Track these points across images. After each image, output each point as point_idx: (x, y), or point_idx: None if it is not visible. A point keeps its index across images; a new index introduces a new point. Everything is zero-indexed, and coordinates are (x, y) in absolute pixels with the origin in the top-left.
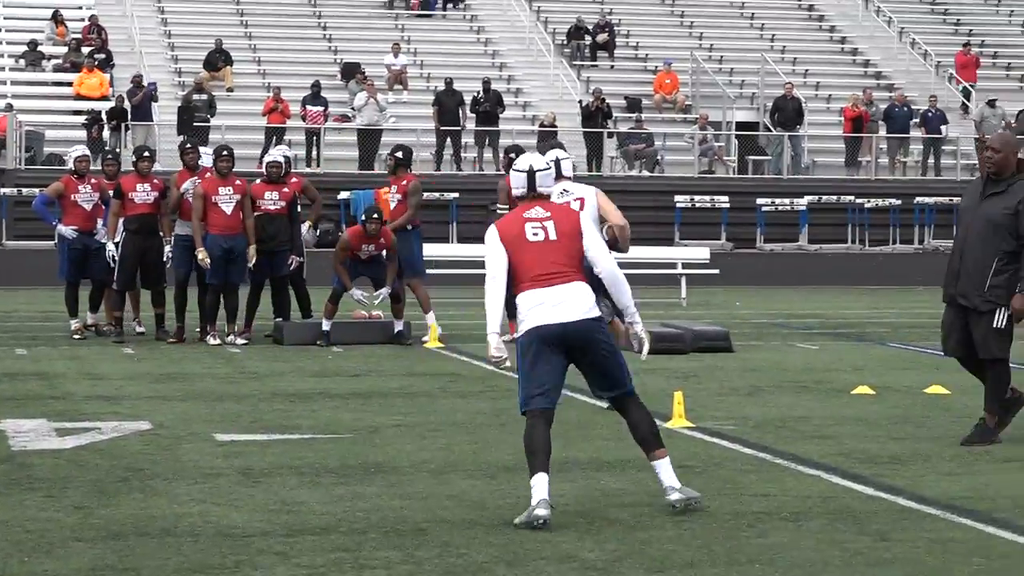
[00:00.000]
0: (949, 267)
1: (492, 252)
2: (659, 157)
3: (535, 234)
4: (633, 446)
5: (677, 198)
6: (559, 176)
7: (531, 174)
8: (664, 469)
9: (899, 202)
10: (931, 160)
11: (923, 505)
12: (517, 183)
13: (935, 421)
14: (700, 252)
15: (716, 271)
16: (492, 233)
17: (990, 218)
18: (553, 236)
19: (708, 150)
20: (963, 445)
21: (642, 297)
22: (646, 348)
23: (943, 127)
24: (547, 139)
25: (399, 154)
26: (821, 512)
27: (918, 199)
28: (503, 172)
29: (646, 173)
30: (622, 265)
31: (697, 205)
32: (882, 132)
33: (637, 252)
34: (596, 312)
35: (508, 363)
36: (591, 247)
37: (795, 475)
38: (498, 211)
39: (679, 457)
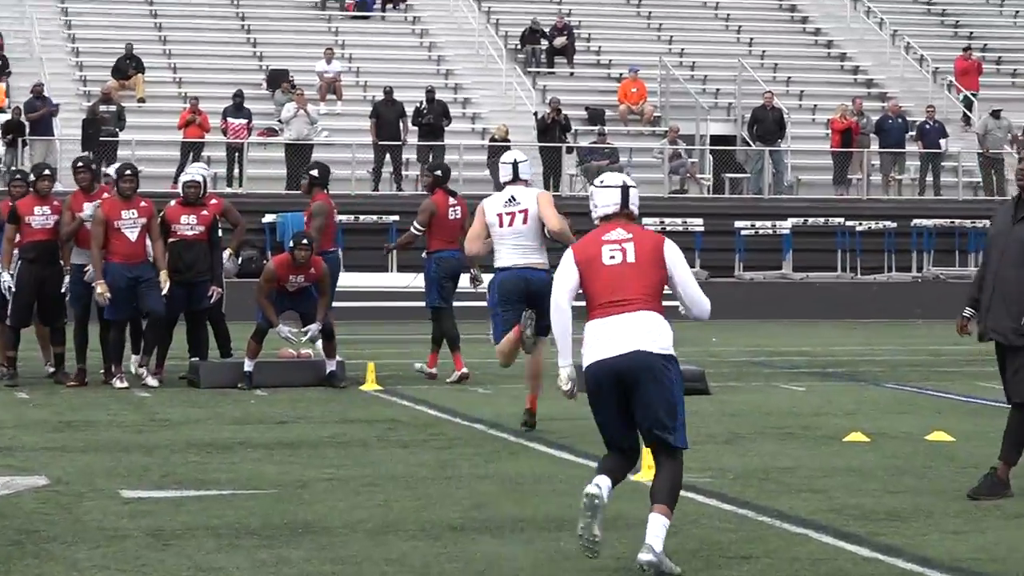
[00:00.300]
0: (980, 300)
1: (560, 273)
2: (625, 175)
3: (611, 257)
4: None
5: (645, 221)
6: (516, 179)
7: (625, 190)
8: (654, 524)
9: (894, 225)
10: (929, 178)
11: (926, 568)
12: (607, 200)
13: (938, 472)
14: None
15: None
16: (567, 255)
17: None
18: (631, 259)
19: (680, 167)
20: (970, 498)
21: None
22: None
23: (942, 141)
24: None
25: (314, 172)
26: None
27: (915, 221)
28: (427, 192)
29: None
30: (581, 296)
31: (668, 228)
32: (874, 146)
33: None
34: (660, 346)
35: (577, 397)
36: (682, 284)
37: (780, 534)
38: (413, 228)
39: (645, 514)
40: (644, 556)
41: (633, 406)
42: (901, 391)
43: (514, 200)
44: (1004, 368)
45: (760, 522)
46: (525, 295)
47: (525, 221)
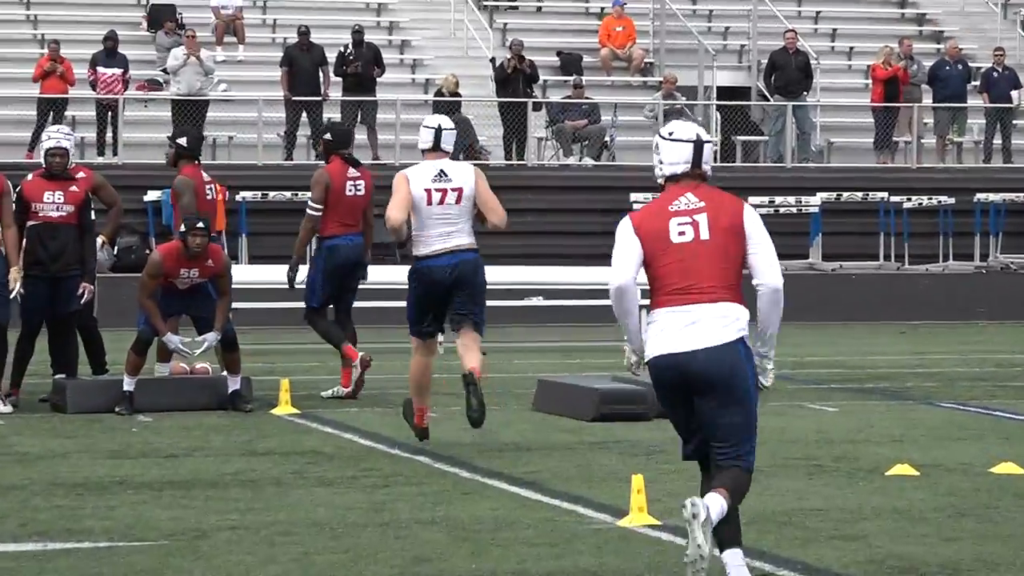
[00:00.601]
0: None
1: (621, 248)
2: (608, 138)
3: (681, 232)
4: (570, 553)
5: (634, 196)
6: (437, 148)
7: (699, 145)
8: (732, 566)
9: (952, 200)
10: (997, 140)
11: None
12: (676, 156)
13: (1006, 513)
14: None
15: None
16: (625, 225)
17: None
18: (705, 235)
19: None
20: None
21: (585, 338)
22: (769, 382)
23: (1014, 93)
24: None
25: (181, 140)
26: None
27: (979, 196)
28: (323, 159)
29: (590, 161)
30: (552, 294)
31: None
32: (927, 100)
33: (578, 275)
34: (734, 337)
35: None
36: (758, 251)
37: None
38: (309, 211)
39: (638, 568)
40: None
41: (700, 414)
42: (960, 412)
43: (444, 175)
44: None
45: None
46: (451, 284)
47: (459, 201)
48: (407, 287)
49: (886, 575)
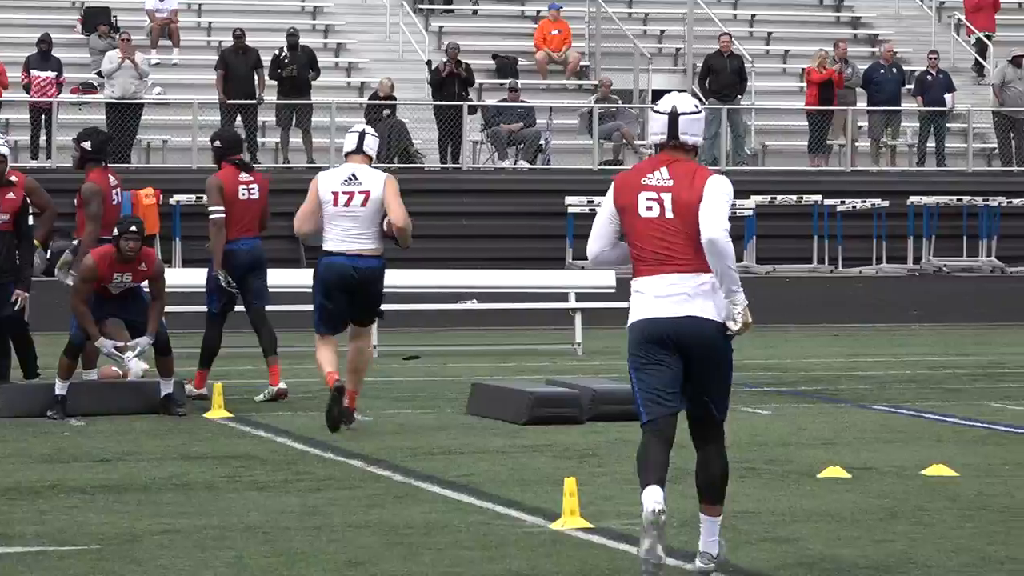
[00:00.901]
0: None
1: (598, 219)
2: (543, 142)
3: (648, 208)
4: (502, 556)
5: (569, 200)
6: (359, 151)
7: (673, 117)
8: (707, 530)
9: (886, 204)
10: (931, 144)
11: None
12: (655, 127)
13: (937, 515)
14: (602, 277)
15: (625, 304)
16: (608, 192)
17: None
18: (669, 214)
19: (613, 131)
20: None
21: (519, 342)
22: (737, 326)
23: (948, 96)
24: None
25: (86, 144)
26: None
27: (912, 199)
28: (216, 166)
29: (525, 165)
30: (487, 298)
31: (598, 210)
32: (862, 104)
33: (513, 278)
34: (717, 315)
35: None
36: (703, 207)
37: None
38: (211, 216)
39: (569, 571)
40: (700, 564)
41: (685, 378)
42: (892, 415)
43: (355, 179)
44: None
45: None
46: (352, 285)
47: (364, 204)
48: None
49: None
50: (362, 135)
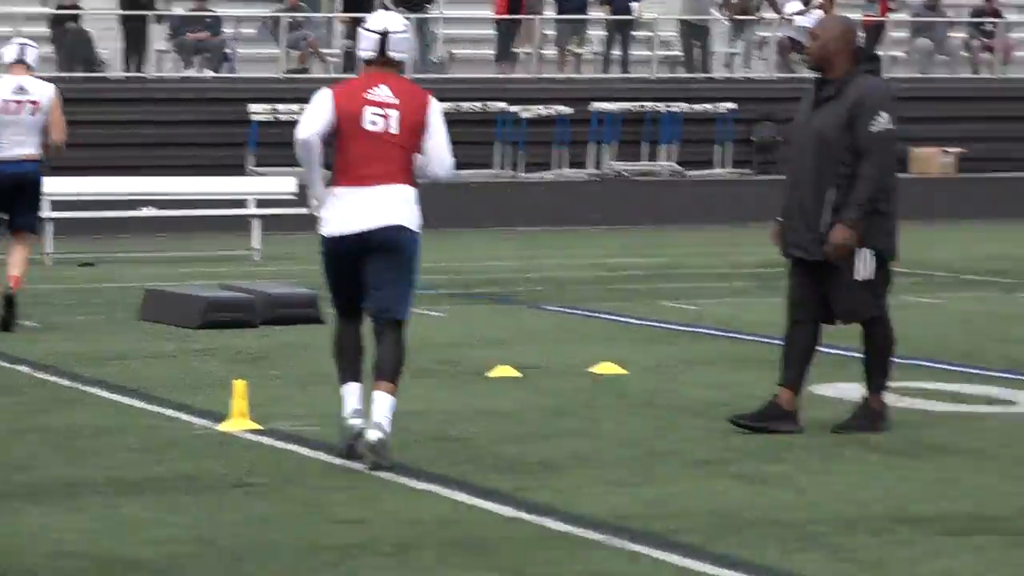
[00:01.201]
0: (783, 208)
1: (315, 109)
2: (228, 51)
3: (373, 122)
4: (169, 459)
5: (252, 108)
6: (21, 62)
7: (383, 36)
8: (381, 403)
9: (570, 111)
10: (617, 52)
11: (579, 527)
12: (366, 45)
13: (604, 411)
14: (282, 183)
15: (304, 211)
16: (324, 94)
17: (821, 134)
18: (395, 129)
19: (300, 39)
20: (836, 432)
21: (197, 249)
22: None
23: (634, 4)
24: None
25: None
26: (435, 543)
27: (595, 105)
28: None
29: (210, 73)
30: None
31: (282, 119)
32: (549, 12)
33: (192, 185)
34: (410, 221)
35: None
36: (431, 142)
37: (402, 492)
38: None
39: (237, 472)
40: (374, 435)
41: (365, 276)
42: (567, 315)
43: (23, 90)
44: (808, 290)
45: (375, 478)
46: (10, 188)
47: (33, 113)
48: None
49: (484, 475)
50: (23, 48)
